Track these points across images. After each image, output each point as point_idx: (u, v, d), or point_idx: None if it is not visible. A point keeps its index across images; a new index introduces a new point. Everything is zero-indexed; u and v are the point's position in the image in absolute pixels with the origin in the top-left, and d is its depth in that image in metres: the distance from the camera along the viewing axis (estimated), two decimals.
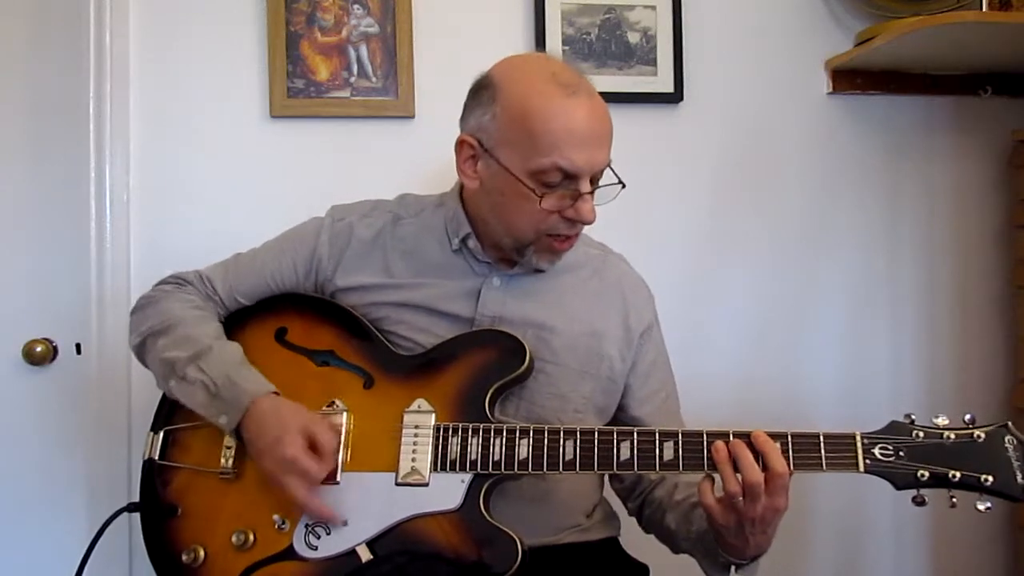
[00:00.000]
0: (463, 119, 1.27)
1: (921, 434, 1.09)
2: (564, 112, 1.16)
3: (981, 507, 1.05)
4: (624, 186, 1.24)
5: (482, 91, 1.23)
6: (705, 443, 1.12)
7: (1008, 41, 1.78)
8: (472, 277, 1.31)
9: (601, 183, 1.23)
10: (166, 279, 1.40)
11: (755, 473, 1.08)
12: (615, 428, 1.16)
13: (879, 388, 2.00)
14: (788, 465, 1.09)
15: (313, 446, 1.16)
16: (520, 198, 1.20)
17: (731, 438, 1.11)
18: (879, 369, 2.01)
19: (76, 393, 1.77)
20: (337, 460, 1.19)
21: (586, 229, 1.42)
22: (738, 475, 1.09)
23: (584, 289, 1.35)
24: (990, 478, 1.05)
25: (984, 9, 1.81)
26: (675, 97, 1.90)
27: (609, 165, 1.23)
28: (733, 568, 1.20)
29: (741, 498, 1.09)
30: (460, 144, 1.26)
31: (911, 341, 2.02)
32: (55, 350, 1.78)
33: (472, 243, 1.30)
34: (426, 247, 1.33)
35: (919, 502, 1.08)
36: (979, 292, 2.04)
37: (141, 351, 1.34)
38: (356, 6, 1.81)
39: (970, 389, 2.02)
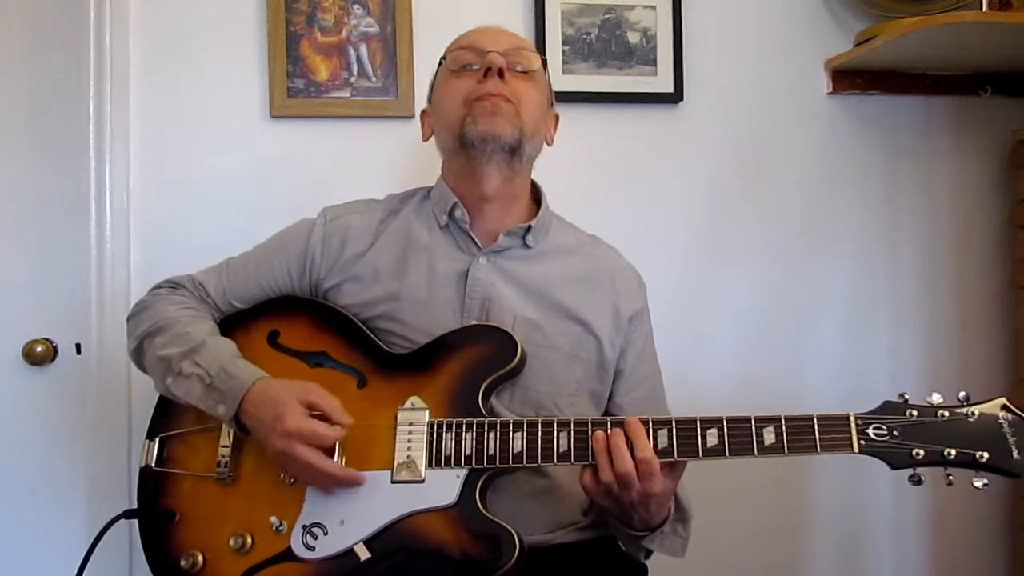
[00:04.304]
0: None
1: (915, 413, 1.09)
2: (470, 27, 1.38)
3: (978, 484, 1.05)
4: (545, 62, 1.38)
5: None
6: (699, 429, 1.13)
7: (1008, 41, 1.78)
8: (460, 257, 1.32)
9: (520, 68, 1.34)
10: (159, 284, 1.41)
11: (625, 463, 1.10)
12: (609, 418, 1.16)
13: (879, 388, 1.97)
14: (783, 448, 1.10)
15: (315, 412, 1.17)
16: (446, 88, 1.34)
17: (610, 427, 1.13)
18: (879, 369, 2.01)
19: (76, 393, 1.77)
20: (345, 419, 1.18)
21: (583, 224, 1.42)
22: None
23: (573, 274, 1.36)
24: (986, 455, 1.05)
25: (984, 9, 1.81)
26: (675, 97, 1.90)
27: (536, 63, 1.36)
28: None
29: (616, 486, 1.11)
30: (422, 114, 1.43)
31: (911, 341, 2.02)
32: (55, 350, 1.78)
33: (459, 213, 1.32)
34: (415, 233, 1.35)
35: (916, 481, 1.07)
36: (979, 292, 2.04)
37: (139, 354, 1.35)
38: (356, 6, 1.81)
39: (970, 389, 1.98)
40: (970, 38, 1.77)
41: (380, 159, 1.82)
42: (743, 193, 1.95)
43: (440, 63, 1.38)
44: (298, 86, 1.79)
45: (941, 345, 2.03)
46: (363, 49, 1.82)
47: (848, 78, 1.96)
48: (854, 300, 2.00)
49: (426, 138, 1.42)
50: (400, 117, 1.82)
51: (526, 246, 1.34)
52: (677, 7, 1.89)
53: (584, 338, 1.32)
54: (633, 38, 1.89)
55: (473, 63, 1.32)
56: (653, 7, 1.89)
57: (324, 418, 1.17)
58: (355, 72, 1.81)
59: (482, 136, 1.28)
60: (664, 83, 1.89)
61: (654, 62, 1.89)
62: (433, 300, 1.30)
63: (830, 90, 1.97)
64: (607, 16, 1.88)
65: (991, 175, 2.04)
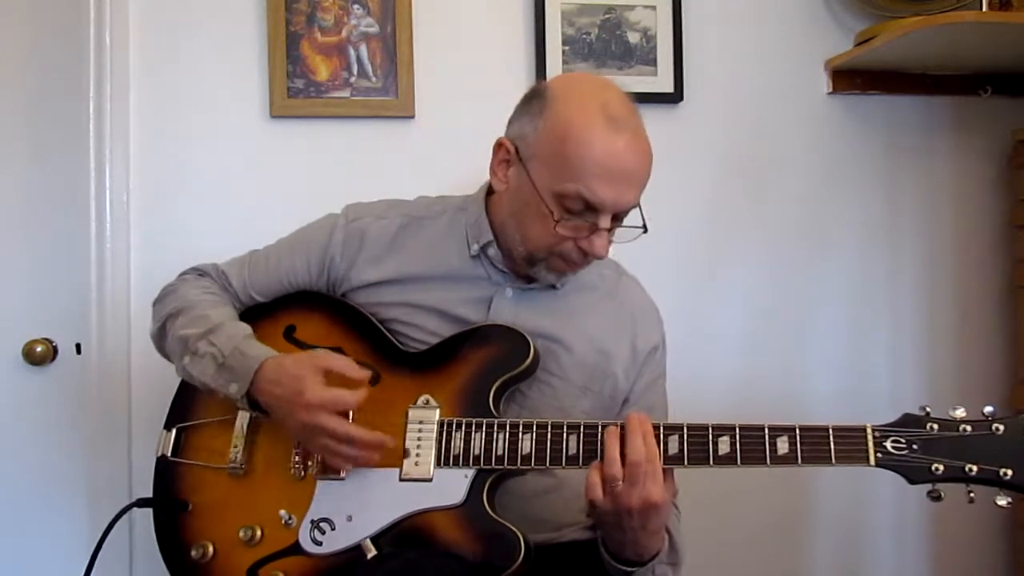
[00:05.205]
0: (510, 122, 1.27)
1: (936, 426, 1.05)
2: (602, 144, 1.15)
3: (1001, 502, 1.02)
4: (646, 231, 1.23)
5: (533, 101, 1.23)
6: (711, 436, 1.11)
7: (1008, 41, 1.78)
8: (486, 285, 1.32)
9: (625, 222, 1.23)
10: (186, 270, 1.43)
11: (638, 452, 1.08)
12: (620, 422, 1.15)
13: (879, 388, 2.00)
14: (797, 458, 1.08)
15: (334, 378, 1.17)
16: (539, 215, 1.20)
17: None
18: (879, 369, 2.01)
19: (76, 393, 1.77)
20: (361, 373, 1.19)
21: None
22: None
23: (596, 309, 1.35)
24: (1010, 472, 1.01)
25: (984, 9, 1.81)
26: (675, 97, 1.90)
27: (638, 207, 1.22)
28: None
29: (620, 482, 1.08)
30: (498, 146, 1.26)
31: (911, 341, 2.02)
32: (55, 350, 1.78)
33: (492, 251, 1.31)
34: (444, 250, 1.33)
35: (935, 497, 1.04)
36: (979, 292, 2.04)
37: (160, 336, 1.36)
38: (356, 6, 1.81)
39: (970, 389, 2.02)
40: (970, 38, 1.77)
41: (380, 159, 1.82)
42: (743, 193, 1.95)
43: (556, 103, 1.19)
44: (298, 86, 1.79)
45: (941, 345, 2.03)
46: (363, 49, 1.81)
47: (848, 78, 1.96)
48: (854, 300, 2.00)
49: (498, 188, 1.27)
50: (400, 117, 1.82)
51: (554, 287, 1.33)
52: (677, 7, 1.89)
53: (601, 372, 1.32)
54: (633, 38, 1.89)
55: (580, 216, 1.19)
56: (653, 7, 1.89)
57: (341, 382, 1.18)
58: (355, 72, 1.81)
59: (551, 280, 1.30)
60: (664, 83, 1.89)
61: (654, 62, 1.89)
62: (453, 319, 1.30)
63: (830, 90, 1.97)
64: (607, 16, 1.88)
65: (991, 175, 2.04)
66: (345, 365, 1.19)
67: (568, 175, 1.16)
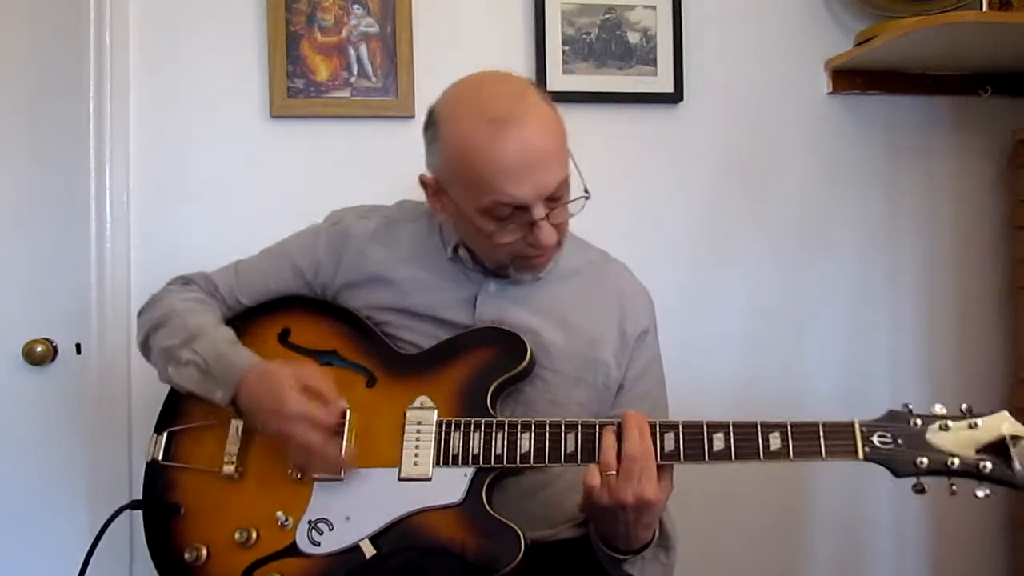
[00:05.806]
0: (425, 154, 1.27)
1: (919, 422, 1.10)
2: (492, 150, 1.14)
3: (980, 494, 1.06)
4: (588, 197, 1.22)
5: (428, 130, 1.25)
6: (705, 433, 1.13)
7: (1008, 41, 1.78)
8: (468, 284, 1.32)
9: (571, 196, 1.22)
10: (172, 280, 1.43)
11: (634, 447, 1.10)
12: (618, 421, 1.16)
13: (879, 388, 2.00)
14: (788, 453, 1.10)
15: (312, 394, 1.18)
16: (479, 234, 1.22)
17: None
18: (879, 369, 2.01)
19: (76, 393, 1.77)
20: (340, 402, 1.20)
21: (589, 235, 1.42)
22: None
23: (582, 296, 1.35)
24: (988, 465, 1.06)
25: (984, 9, 1.81)
26: (675, 97, 1.90)
27: (577, 172, 1.22)
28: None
29: (615, 472, 1.10)
30: (423, 184, 1.27)
31: (911, 341, 2.02)
32: (55, 350, 1.78)
33: (463, 252, 1.31)
34: (423, 253, 1.34)
35: (919, 489, 1.08)
36: (979, 292, 2.04)
37: (146, 348, 1.36)
38: (356, 6, 1.81)
39: (970, 389, 2.02)
40: (970, 38, 1.77)
41: (380, 159, 1.82)
42: (743, 193, 1.95)
43: (442, 128, 1.20)
44: (298, 86, 1.79)
45: (941, 345, 2.03)
46: (363, 49, 1.82)
47: (848, 78, 1.96)
48: (854, 299, 2.00)
49: (443, 217, 1.29)
50: (400, 117, 1.82)
51: (536, 276, 1.33)
52: (677, 7, 1.89)
53: (591, 361, 1.32)
54: (633, 38, 1.89)
55: (514, 218, 1.19)
56: (653, 7, 1.89)
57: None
58: (355, 72, 1.81)
59: (528, 278, 1.30)
60: (664, 83, 1.89)
61: (654, 62, 1.89)
62: (442, 323, 1.30)
63: (830, 90, 1.97)
64: (607, 16, 1.88)
65: (991, 175, 2.04)
66: (324, 389, 1.19)
67: (481, 190, 1.16)
